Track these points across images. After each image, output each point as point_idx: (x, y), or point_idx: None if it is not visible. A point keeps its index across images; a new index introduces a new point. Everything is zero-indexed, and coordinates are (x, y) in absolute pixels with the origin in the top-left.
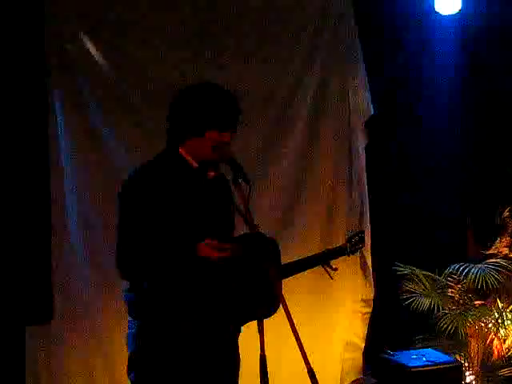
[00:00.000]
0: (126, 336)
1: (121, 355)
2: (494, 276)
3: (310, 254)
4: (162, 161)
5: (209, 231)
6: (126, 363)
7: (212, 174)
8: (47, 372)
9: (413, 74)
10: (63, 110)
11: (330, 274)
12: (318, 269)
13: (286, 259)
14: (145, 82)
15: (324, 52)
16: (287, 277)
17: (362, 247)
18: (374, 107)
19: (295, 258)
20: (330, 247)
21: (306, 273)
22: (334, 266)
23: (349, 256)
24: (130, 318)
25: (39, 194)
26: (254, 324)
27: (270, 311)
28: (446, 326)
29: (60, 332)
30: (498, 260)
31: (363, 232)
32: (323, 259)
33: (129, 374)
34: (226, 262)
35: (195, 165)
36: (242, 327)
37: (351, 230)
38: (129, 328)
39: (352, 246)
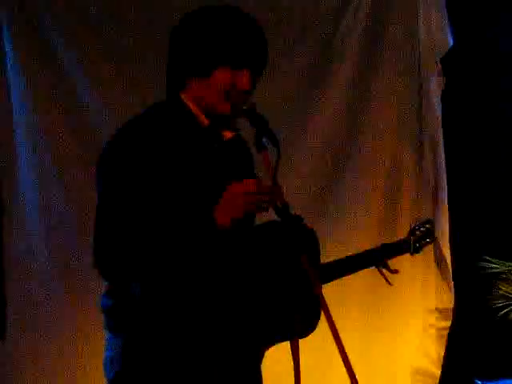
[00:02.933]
0: (103, 359)
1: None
2: None
3: (359, 250)
4: (159, 114)
5: None
6: None
7: (229, 134)
8: None
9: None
10: (19, 56)
11: (387, 279)
12: (374, 269)
13: (324, 256)
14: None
15: None
16: (328, 281)
17: (430, 242)
18: (452, 38)
19: (338, 256)
20: (387, 242)
21: (357, 273)
22: (392, 268)
23: (412, 255)
24: (108, 335)
25: None
26: (285, 343)
27: (308, 327)
28: None
29: (15, 354)
30: None
31: (432, 222)
32: (378, 258)
33: None
34: (248, 258)
35: (206, 121)
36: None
37: (419, 215)
38: (106, 349)
39: (417, 241)
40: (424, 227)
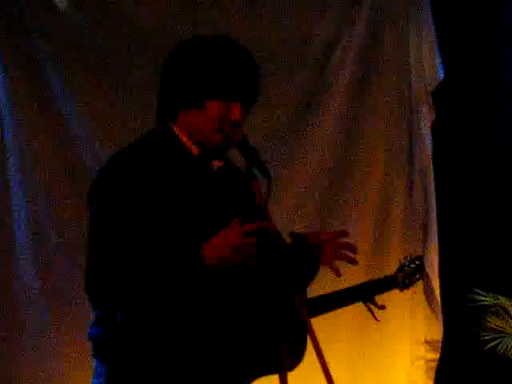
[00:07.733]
0: None
1: None
2: None
3: (348, 283)
4: (149, 144)
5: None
6: None
7: (217, 164)
8: None
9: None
10: (8, 76)
11: (374, 315)
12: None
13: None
14: (127, 31)
15: None
16: (314, 316)
17: (419, 279)
18: (443, 71)
19: (326, 288)
20: (376, 274)
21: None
22: (379, 303)
23: (401, 291)
24: (95, 363)
25: None
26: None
27: (295, 360)
28: None
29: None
30: None
31: (421, 258)
32: (365, 294)
33: None
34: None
35: (195, 151)
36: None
37: (408, 248)
38: (93, 377)
39: (405, 278)
40: (414, 264)
